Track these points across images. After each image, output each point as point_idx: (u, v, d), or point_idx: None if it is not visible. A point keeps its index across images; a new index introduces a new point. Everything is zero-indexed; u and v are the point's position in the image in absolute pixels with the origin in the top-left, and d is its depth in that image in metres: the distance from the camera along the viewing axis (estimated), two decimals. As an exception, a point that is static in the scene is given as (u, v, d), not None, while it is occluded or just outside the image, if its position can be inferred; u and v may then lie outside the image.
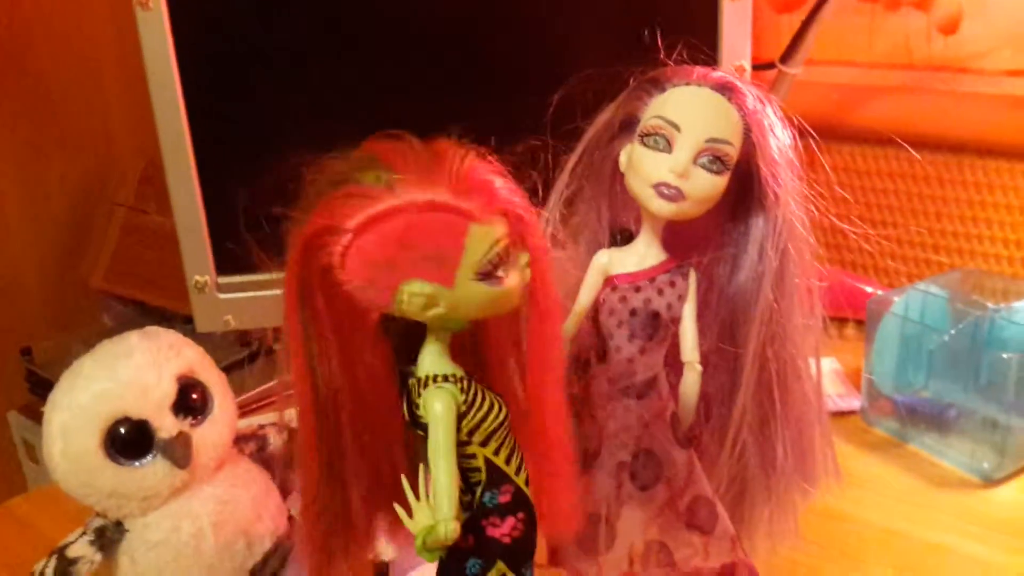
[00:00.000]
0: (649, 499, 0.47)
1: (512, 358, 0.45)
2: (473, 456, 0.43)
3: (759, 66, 0.84)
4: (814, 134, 0.48)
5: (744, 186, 0.45)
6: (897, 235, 0.95)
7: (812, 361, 0.46)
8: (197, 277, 0.80)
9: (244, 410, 0.63)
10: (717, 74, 0.44)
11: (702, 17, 0.78)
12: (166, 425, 0.53)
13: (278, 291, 0.78)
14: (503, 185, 0.40)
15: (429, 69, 0.78)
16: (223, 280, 0.80)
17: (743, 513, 0.49)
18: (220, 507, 0.54)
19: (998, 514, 0.64)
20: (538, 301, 0.42)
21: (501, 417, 0.43)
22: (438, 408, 0.41)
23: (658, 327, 0.46)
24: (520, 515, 0.43)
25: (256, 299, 0.80)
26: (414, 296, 0.40)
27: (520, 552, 0.44)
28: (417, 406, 0.42)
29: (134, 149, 1.17)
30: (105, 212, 1.13)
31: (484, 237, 0.39)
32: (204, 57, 0.76)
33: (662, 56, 0.48)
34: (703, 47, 0.76)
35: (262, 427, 0.62)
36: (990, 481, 0.67)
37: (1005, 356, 0.66)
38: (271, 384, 0.84)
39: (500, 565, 0.43)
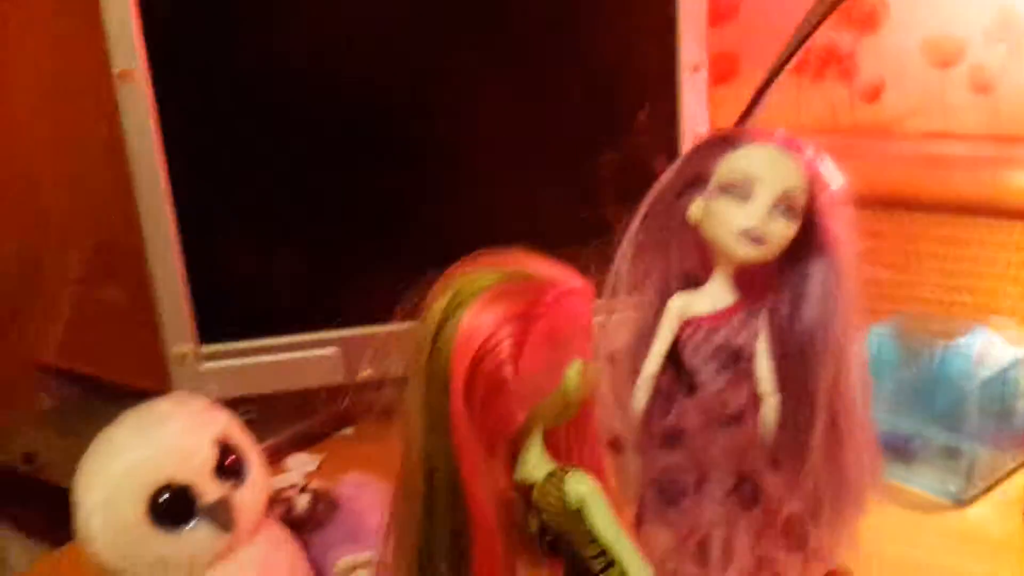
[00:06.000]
0: (753, 519, 0.50)
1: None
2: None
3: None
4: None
5: (802, 232, 0.49)
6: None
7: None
8: (177, 348, 0.79)
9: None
10: (779, 134, 0.50)
11: (662, 91, 0.84)
12: (209, 489, 0.52)
13: (262, 358, 0.79)
14: None
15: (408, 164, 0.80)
16: (206, 349, 0.79)
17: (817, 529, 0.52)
18: (262, 570, 0.54)
19: (970, 530, 0.70)
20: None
21: None
22: (590, 484, 0.41)
23: (740, 361, 0.49)
24: None
25: (239, 367, 0.80)
26: (577, 375, 0.41)
27: None
28: (555, 508, 0.41)
29: (71, 226, 1.14)
30: (48, 289, 1.10)
31: None
32: (186, 126, 0.77)
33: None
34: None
35: (284, 490, 0.62)
36: (960, 503, 0.73)
37: (964, 387, 0.73)
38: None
39: None
